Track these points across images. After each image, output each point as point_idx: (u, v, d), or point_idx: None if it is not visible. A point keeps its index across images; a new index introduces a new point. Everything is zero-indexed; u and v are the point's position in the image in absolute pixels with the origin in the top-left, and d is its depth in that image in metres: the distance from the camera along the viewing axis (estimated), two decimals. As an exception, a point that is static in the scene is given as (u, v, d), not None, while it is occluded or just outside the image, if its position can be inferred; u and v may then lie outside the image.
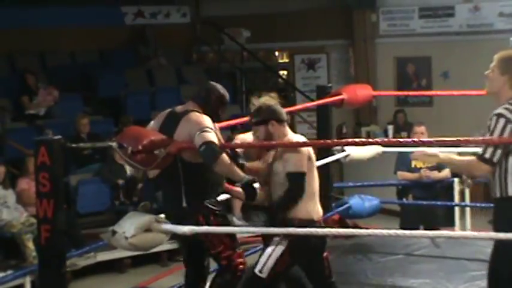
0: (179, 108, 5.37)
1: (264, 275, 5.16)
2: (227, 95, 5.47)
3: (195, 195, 5.19)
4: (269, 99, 5.49)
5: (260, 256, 5.22)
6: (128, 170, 10.78)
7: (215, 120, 5.31)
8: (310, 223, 5.14)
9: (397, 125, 13.78)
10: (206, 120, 5.17)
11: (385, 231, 4.56)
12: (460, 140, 4.66)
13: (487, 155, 4.55)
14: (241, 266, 5.29)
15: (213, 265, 5.46)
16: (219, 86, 5.47)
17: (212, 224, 5.17)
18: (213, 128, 5.15)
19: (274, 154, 5.25)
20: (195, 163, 5.15)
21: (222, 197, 5.44)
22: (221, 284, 5.30)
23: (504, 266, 4.61)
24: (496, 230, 4.57)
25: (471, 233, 4.26)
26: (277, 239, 5.14)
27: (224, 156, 5.02)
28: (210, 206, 5.21)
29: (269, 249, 5.17)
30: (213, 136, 5.05)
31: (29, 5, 13.16)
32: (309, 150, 5.22)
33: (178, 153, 5.10)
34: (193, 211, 5.17)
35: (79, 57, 14.33)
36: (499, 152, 4.54)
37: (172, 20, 14.93)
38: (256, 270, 5.18)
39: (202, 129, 5.06)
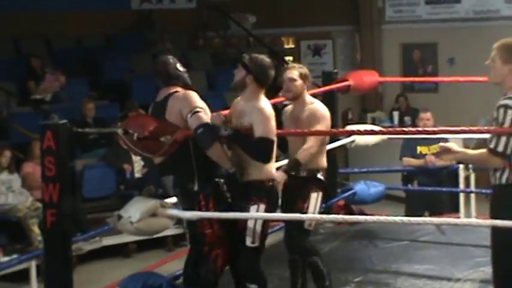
0: (159, 97, 5.32)
1: (257, 244, 5.18)
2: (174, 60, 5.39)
3: (204, 175, 5.18)
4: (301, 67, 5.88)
5: (244, 228, 5.18)
6: (133, 156, 10.76)
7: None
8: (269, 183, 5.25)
9: (400, 110, 13.78)
10: (195, 97, 5.13)
11: (390, 218, 4.56)
12: (464, 130, 4.65)
13: (500, 149, 4.50)
14: (223, 255, 5.24)
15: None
16: (166, 56, 5.42)
17: (209, 205, 5.15)
18: (202, 106, 5.11)
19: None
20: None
21: None
22: (202, 280, 5.27)
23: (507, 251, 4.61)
24: (498, 216, 4.57)
25: (476, 220, 4.26)
26: (252, 204, 5.17)
27: (218, 143, 5.02)
28: (218, 187, 5.22)
29: (250, 222, 5.18)
30: (206, 117, 5.04)
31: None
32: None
33: (186, 137, 5.09)
34: (199, 191, 5.17)
35: (85, 41, 14.33)
36: (511, 143, 4.50)
37: (178, 5, 14.91)
38: (249, 243, 5.17)
39: (194, 110, 5.03)
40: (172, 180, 5.36)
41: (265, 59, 5.29)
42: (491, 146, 4.52)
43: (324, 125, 5.93)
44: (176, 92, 5.22)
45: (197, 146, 5.09)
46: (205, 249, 5.22)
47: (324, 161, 6.02)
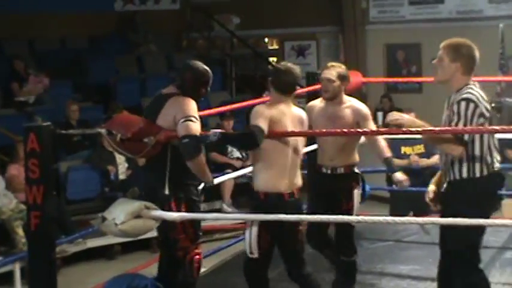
0: (165, 90, 5.31)
1: (255, 255, 5.21)
2: (207, 73, 5.33)
3: (176, 180, 5.16)
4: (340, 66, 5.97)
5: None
6: (117, 158, 10.74)
7: (196, 99, 5.23)
8: (277, 196, 5.18)
9: (384, 111, 13.80)
10: (192, 106, 5.09)
11: (375, 218, 4.56)
12: (448, 130, 4.66)
13: (466, 137, 4.57)
14: (197, 257, 5.27)
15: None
16: (197, 64, 5.34)
17: (181, 210, 5.13)
18: (197, 116, 5.07)
19: None
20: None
21: (215, 181, 5.44)
22: (181, 285, 5.30)
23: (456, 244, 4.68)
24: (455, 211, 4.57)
25: (461, 220, 4.27)
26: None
27: (201, 156, 5.00)
28: (191, 192, 5.20)
29: (247, 233, 5.23)
30: (197, 127, 4.99)
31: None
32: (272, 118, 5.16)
33: (169, 140, 5.08)
34: (169, 196, 5.15)
35: (69, 43, 14.30)
36: (471, 137, 4.59)
37: (162, 6, 14.90)
38: (248, 253, 5.25)
39: (187, 118, 4.98)
40: (143, 183, 5.37)
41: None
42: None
43: (371, 120, 6.01)
44: (177, 94, 5.21)
45: (176, 151, 5.09)
46: (179, 254, 5.23)
47: (357, 155, 6.11)
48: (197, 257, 5.26)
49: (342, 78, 5.98)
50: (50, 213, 4.85)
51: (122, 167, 10.93)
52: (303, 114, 5.46)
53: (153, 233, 5.36)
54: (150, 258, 9.02)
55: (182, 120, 4.98)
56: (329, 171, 5.91)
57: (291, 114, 5.31)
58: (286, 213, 4.83)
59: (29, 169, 4.83)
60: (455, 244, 4.76)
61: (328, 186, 5.90)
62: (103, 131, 5.09)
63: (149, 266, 7.97)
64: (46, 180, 4.83)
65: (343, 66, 6.11)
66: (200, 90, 5.29)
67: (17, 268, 6.55)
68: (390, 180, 9.78)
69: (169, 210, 5.10)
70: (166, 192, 5.15)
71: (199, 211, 5.30)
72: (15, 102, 12.00)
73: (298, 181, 5.34)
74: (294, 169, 5.30)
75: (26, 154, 4.88)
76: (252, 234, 5.19)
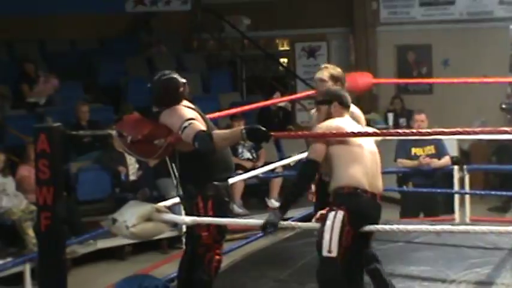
0: (155, 108, 5.31)
1: (334, 254, 4.75)
2: (171, 78, 5.29)
3: (194, 179, 5.16)
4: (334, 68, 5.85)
5: (321, 238, 4.82)
6: (127, 158, 10.76)
7: (185, 100, 5.23)
8: (356, 191, 4.90)
9: (395, 112, 13.79)
10: (181, 112, 5.08)
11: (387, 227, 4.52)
12: (458, 131, 4.65)
13: None
14: (217, 257, 5.25)
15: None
16: (156, 78, 5.31)
17: (207, 208, 5.13)
18: (193, 116, 5.06)
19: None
20: (189, 151, 5.11)
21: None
22: (197, 282, 5.27)
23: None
24: None
25: (474, 227, 4.26)
26: (332, 212, 4.84)
27: (217, 134, 4.96)
28: (218, 190, 5.19)
29: (328, 225, 4.79)
30: (197, 125, 4.98)
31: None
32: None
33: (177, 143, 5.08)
34: (192, 193, 5.15)
35: (79, 44, 14.31)
36: None
37: (172, 7, 14.89)
38: (325, 252, 4.76)
39: (183, 123, 4.97)
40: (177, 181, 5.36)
41: None
42: None
43: (364, 124, 5.92)
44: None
45: (182, 156, 5.10)
46: (200, 251, 5.22)
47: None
48: (217, 257, 5.26)
49: (335, 79, 5.90)
50: (60, 214, 4.86)
51: (132, 168, 10.93)
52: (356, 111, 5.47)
53: (164, 234, 5.37)
54: (161, 259, 9.03)
55: (182, 128, 4.97)
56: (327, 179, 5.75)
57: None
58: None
59: (39, 170, 4.84)
60: None
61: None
62: (114, 132, 5.09)
63: (160, 267, 7.98)
64: (56, 181, 4.84)
65: (338, 69, 6.02)
66: (178, 94, 5.26)
67: (27, 269, 6.55)
68: (400, 181, 9.79)
69: (197, 207, 5.10)
70: (194, 190, 5.16)
71: (226, 209, 5.27)
72: (26, 104, 12.02)
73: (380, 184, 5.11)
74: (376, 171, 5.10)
75: (36, 155, 4.89)
76: (335, 227, 4.77)
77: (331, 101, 5.19)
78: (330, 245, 4.75)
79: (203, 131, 4.96)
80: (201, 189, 5.17)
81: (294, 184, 5.01)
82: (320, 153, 4.92)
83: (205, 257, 5.21)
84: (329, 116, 5.15)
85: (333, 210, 4.82)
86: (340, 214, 4.79)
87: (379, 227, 4.89)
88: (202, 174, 5.17)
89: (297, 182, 5.01)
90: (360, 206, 4.86)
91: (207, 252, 5.21)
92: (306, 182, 5.07)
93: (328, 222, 4.79)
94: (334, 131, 4.95)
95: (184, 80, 5.35)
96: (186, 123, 4.97)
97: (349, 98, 5.28)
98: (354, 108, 5.57)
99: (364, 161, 4.98)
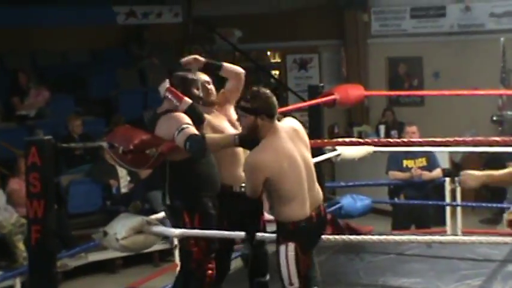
0: (159, 108, 5.26)
1: (296, 285, 4.83)
2: (187, 75, 5.31)
3: (181, 192, 5.14)
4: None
5: (279, 272, 4.86)
6: (119, 171, 10.74)
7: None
8: (300, 224, 4.84)
9: (386, 124, 13.80)
10: (180, 118, 5.03)
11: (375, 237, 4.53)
12: (449, 141, 4.65)
13: None
14: (210, 272, 5.20)
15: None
16: (177, 73, 5.33)
17: (195, 223, 5.11)
18: (189, 122, 5.01)
19: None
20: (180, 160, 5.08)
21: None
22: None
23: None
24: None
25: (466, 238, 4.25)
26: (282, 246, 4.83)
27: (209, 137, 4.96)
28: (204, 204, 5.17)
29: (282, 259, 4.83)
30: (192, 130, 4.93)
31: (20, 5, 13.10)
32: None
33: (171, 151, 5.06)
34: (178, 208, 5.14)
35: (70, 57, 14.28)
36: None
37: (164, 20, 14.89)
38: (287, 286, 4.83)
39: (179, 128, 4.93)
40: (161, 195, 5.35)
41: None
42: None
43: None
44: (168, 111, 5.16)
45: (173, 165, 5.08)
46: (192, 266, 5.20)
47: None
48: (210, 272, 5.22)
49: None
50: (50, 227, 4.84)
51: (123, 181, 10.92)
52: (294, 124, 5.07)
53: (155, 247, 5.35)
54: (152, 271, 9.02)
55: (176, 133, 4.93)
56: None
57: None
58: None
59: (30, 183, 4.82)
60: None
61: None
62: (105, 144, 5.08)
63: (151, 280, 7.97)
64: (47, 194, 4.82)
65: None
66: (190, 92, 5.24)
67: (17, 283, 6.54)
68: (392, 193, 9.80)
69: (183, 221, 5.07)
70: (168, 202, 5.13)
71: (213, 223, 5.24)
72: (17, 116, 12.00)
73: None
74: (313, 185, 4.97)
75: (27, 168, 4.87)
76: (289, 260, 4.79)
77: (258, 113, 4.89)
78: (290, 278, 4.81)
79: (196, 134, 4.95)
80: (187, 202, 5.14)
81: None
82: (256, 189, 4.86)
83: (197, 272, 5.20)
84: (254, 129, 4.89)
85: (282, 243, 4.82)
86: (291, 247, 4.79)
87: (369, 237, 4.88)
88: (190, 186, 5.13)
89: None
90: (308, 235, 4.86)
91: (199, 268, 5.19)
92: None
93: (282, 257, 4.82)
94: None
95: None
96: (183, 126, 4.95)
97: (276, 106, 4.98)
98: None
99: (301, 183, 4.82)
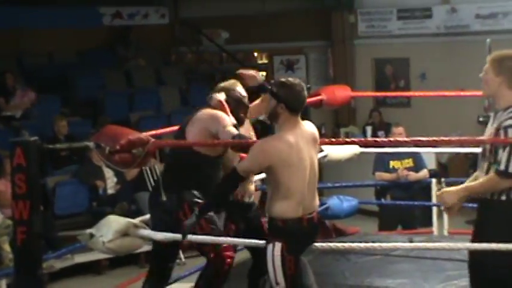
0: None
1: (282, 285, 4.82)
2: (246, 100, 5.42)
3: (178, 187, 5.17)
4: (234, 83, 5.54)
5: (266, 271, 4.86)
6: (105, 172, 10.72)
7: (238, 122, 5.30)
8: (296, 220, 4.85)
9: (373, 125, 13.83)
10: (223, 116, 5.16)
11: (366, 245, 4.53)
12: (436, 140, 4.65)
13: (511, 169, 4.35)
14: (228, 260, 5.20)
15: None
16: (237, 87, 5.44)
17: (187, 216, 5.09)
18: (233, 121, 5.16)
19: None
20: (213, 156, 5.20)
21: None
22: (207, 276, 5.24)
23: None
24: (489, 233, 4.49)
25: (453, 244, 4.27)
26: (269, 245, 4.81)
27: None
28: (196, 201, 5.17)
29: (269, 258, 4.82)
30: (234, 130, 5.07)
31: (7, 6, 13.07)
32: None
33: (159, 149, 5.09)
34: (175, 203, 5.15)
35: (57, 58, 14.27)
36: None
37: (150, 21, 14.90)
38: (274, 285, 4.83)
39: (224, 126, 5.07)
40: (149, 196, 5.36)
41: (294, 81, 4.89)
42: (502, 168, 4.38)
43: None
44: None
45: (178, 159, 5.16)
46: (211, 256, 5.20)
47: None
48: (228, 260, 5.21)
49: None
50: (36, 228, 4.81)
51: (110, 182, 10.90)
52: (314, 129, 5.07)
53: (142, 248, 5.33)
54: (139, 273, 8.98)
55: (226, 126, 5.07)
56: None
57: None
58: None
59: (15, 184, 4.80)
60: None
61: None
62: (91, 144, 5.07)
63: (137, 281, 7.93)
64: (33, 196, 4.80)
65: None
66: (238, 115, 5.36)
67: (3, 285, 6.50)
68: (379, 194, 9.81)
69: (178, 216, 5.07)
70: (164, 198, 5.15)
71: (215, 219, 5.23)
72: (2, 117, 11.96)
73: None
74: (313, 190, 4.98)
75: (12, 169, 4.85)
76: (275, 259, 4.78)
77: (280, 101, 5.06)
78: (276, 277, 4.81)
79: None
80: (184, 201, 5.15)
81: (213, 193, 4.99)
82: (250, 170, 4.89)
83: (219, 257, 5.19)
84: (273, 117, 4.99)
85: (270, 242, 4.81)
86: (278, 246, 4.78)
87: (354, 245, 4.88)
88: (199, 185, 5.17)
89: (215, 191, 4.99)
90: (296, 236, 4.84)
91: (219, 253, 5.19)
92: (224, 194, 5.02)
93: (269, 256, 4.81)
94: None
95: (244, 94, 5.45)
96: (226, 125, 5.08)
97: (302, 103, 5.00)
98: None
99: (302, 184, 4.81)
